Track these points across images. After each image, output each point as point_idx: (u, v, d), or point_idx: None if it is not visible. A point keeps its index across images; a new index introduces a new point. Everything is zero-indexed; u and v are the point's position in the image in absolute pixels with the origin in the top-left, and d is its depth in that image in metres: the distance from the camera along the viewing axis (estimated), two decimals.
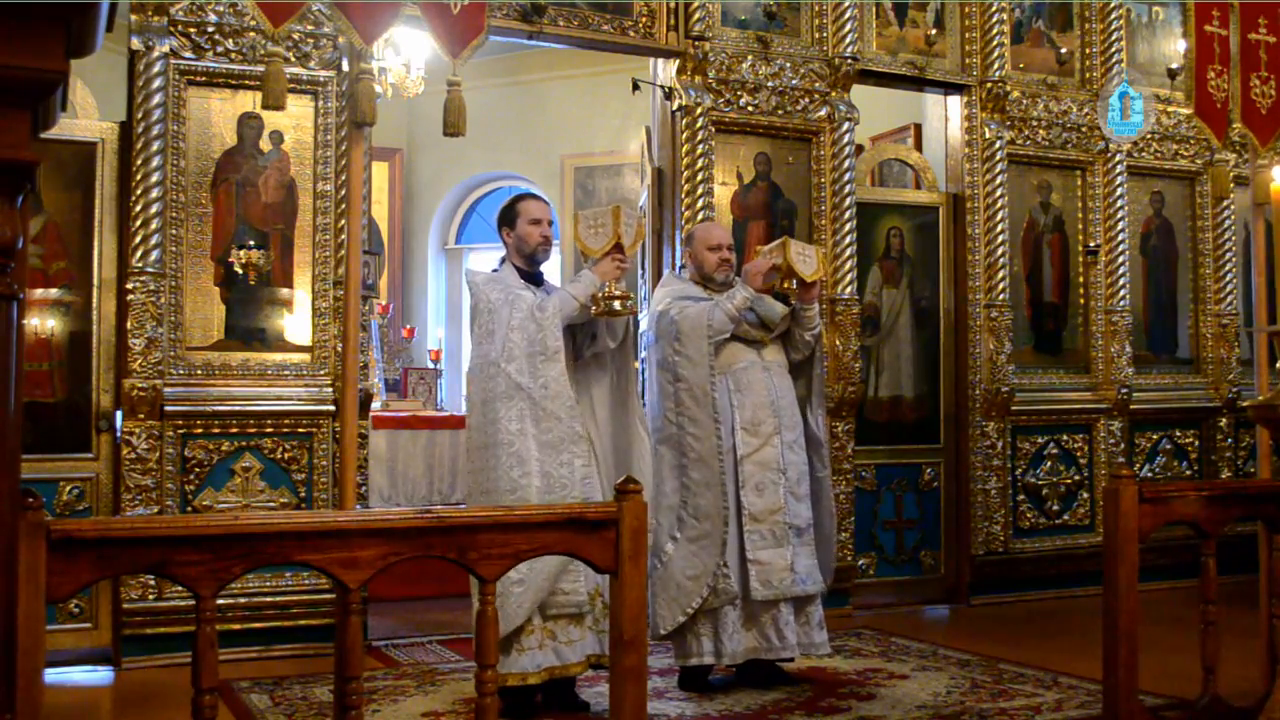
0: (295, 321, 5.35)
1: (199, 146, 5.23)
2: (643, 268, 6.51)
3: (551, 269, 10.53)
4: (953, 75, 6.73)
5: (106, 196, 5.16)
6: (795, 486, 4.66)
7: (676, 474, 4.53)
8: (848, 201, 6.27)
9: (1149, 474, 7.17)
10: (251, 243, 5.25)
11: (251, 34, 5.21)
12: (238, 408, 5.19)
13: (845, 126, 6.31)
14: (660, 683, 4.61)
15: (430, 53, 8.14)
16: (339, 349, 5.20)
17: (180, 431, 5.10)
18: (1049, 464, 6.88)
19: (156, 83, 5.06)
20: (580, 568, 4.07)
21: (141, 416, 5.01)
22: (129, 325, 5.00)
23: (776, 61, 6.22)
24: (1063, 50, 7.03)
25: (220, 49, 5.20)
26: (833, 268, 6.24)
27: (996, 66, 6.72)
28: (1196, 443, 7.35)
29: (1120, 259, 7.02)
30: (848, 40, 6.31)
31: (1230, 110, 4.96)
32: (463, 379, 10.35)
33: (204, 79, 5.21)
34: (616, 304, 4.16)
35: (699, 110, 5.98)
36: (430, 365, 10.18)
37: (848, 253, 6.25)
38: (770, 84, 6.19)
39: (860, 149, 6.94)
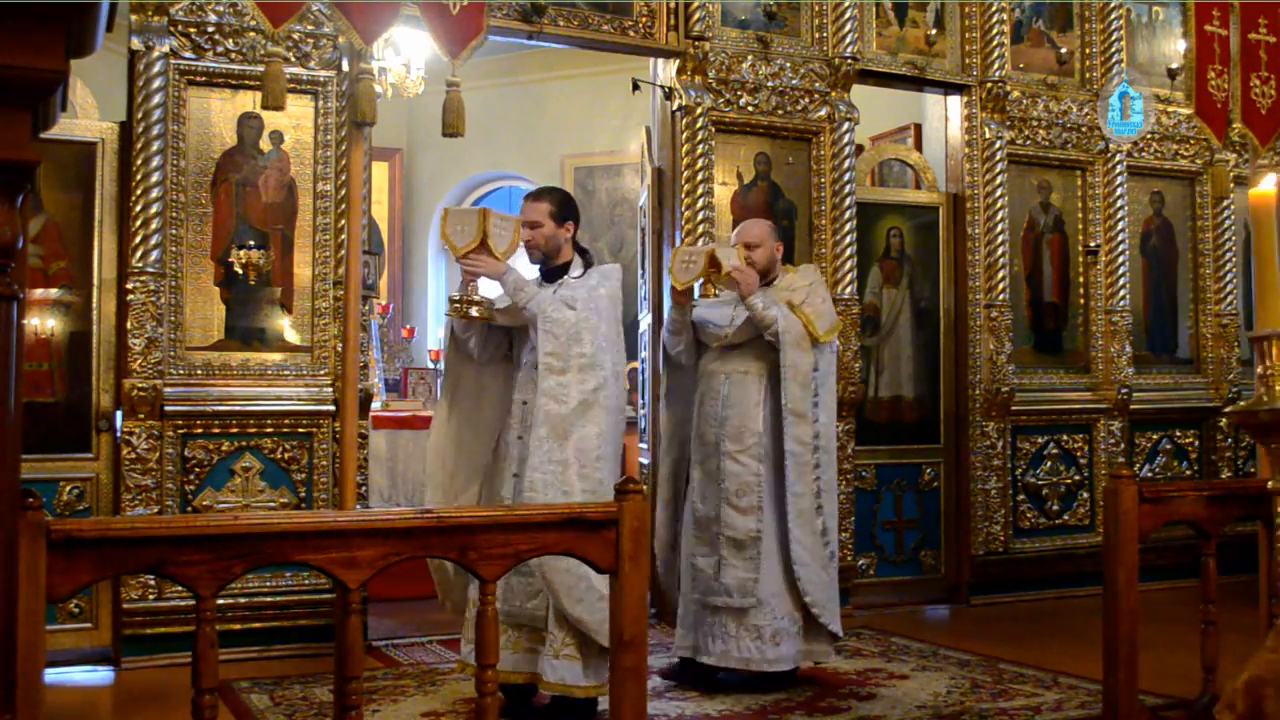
0: (295, 321, 5.35)
1: (199, 146, 5.23)
2: (642, 268, 6.52)
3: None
4: (953, 75, 6.73)
5: (106, 196, 5.15)
6: (734, 498, 4.59)
7: None
8: (848, 201, 6.27)
9: (1149, 474, 7.17)
10: (251, 243, 5.25)
11: (251, 34, 5.21)
12: (238, 408, 5.19)
13: (845, 126, 6.31)
14: (660, 682, 4.61)
15: (430, 53, 8.14)
16: (339, 349, 5.20)
17: (180, 431, 5.10)
18: (1049, 464, 6.88)
19: (156, 83, 5.05)
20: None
21: (141, 416, 5.01)
22: (129, 325, 5.00)
23: (776, 61, 6.22)
24: (1063, 50, 7.03)
25: (220, 49, 5.20)
26: (833, 268, 6.24)
27: (996, 66, 6.72)
28: (1196, 443, 7.35)
29: (1120, 259, 7.02)
30: (848, 40, 6.31)
31: (1230, 110, 4.96)
32: None
33: (204, 79, 5.21)
34: (474, 310, 4.10)
35: (699, 110, 5.98)
36: (430, 365, 10.18)
37: (848, 253, 6.25)
38: (770, 84, 6.19)
39: (860, 149, 6.94)
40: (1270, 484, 2.71)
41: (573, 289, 4.18)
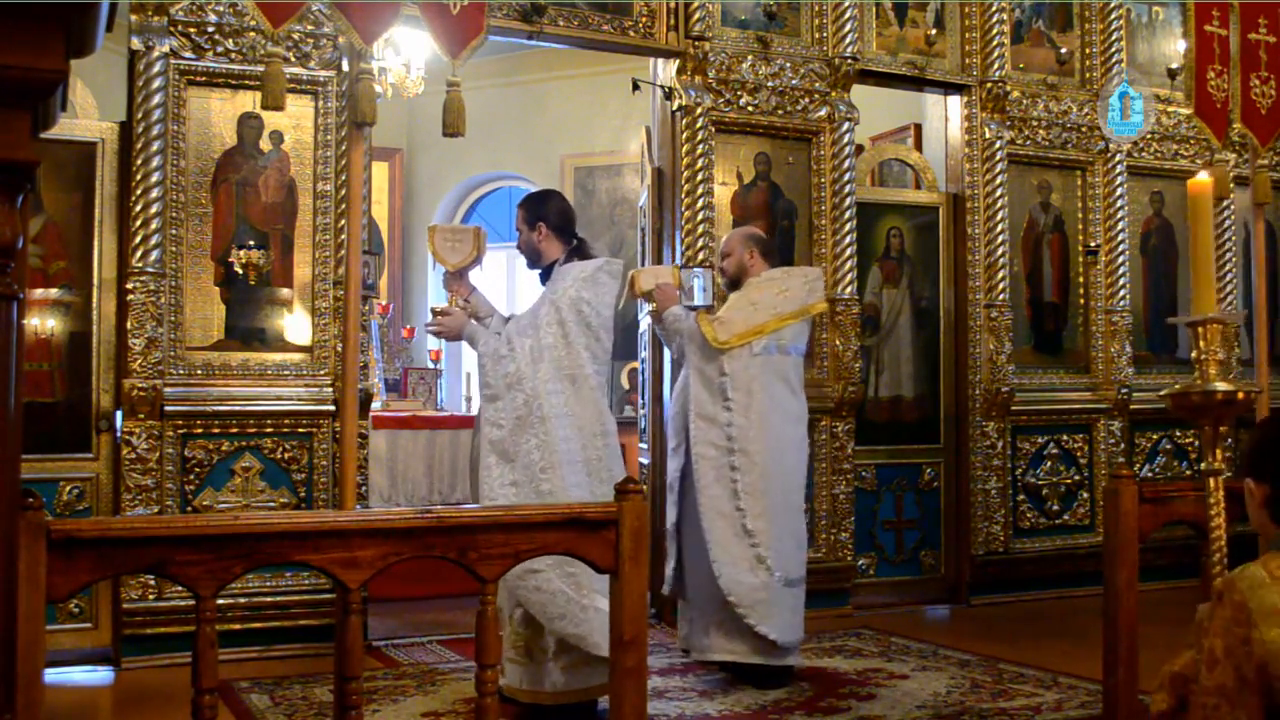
0: (295, 321, 5.35)
1: (199, 146, 5.22)
2: (642, 268, 6.51)
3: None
4: (953, 75, 6.73)
5: (106, 196, 5.15)
6: (667, 491, 4.93)
7: None
8: (848, 201, 6.27)
9: (1149, 474, 7.17)
10: (251, 243, 5.25)
11: (251, 34, 5.21)
12: (238, 408, 5.19)
13: (845, 126, 6.31)
14: (660, 682, 4.61)
15: (430, 53, 8.14)
16: (339, 349, 5.20)
17: (180, 431, 5.10)
18: (1049, 464, 6.88)
19: (156, 83, 5.05)
20: None
21: (141, 416, 5.01)
22: (129, 325, 5.00)
23: (776, 61, 6.22)
24: (1063, 50, 7.03)
25: (220, 49, 5.20)
26: (833, 268, 6.24)
27: (996, 66, 6.72)
28: (1197, 443, 7.35)
29: (1120, 259, 7.02)
30: (848, 40, 6.31)
31: (1230, 110, 4.96)
32: (461, 379, 10.39)
33: (204, 79, 5.21)
34: None
35: (699, 110, 5.98)
36: (430, 365, 10.18)
37: (848, 253, 6.25)
38: (770, 84, 6.19)
39: (860, 149, 6.94)
40: (1204, 465, 2.79)
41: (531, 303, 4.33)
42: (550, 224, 4.32)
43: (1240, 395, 2.84)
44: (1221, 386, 2.87)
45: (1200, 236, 2.97)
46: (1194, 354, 2.85)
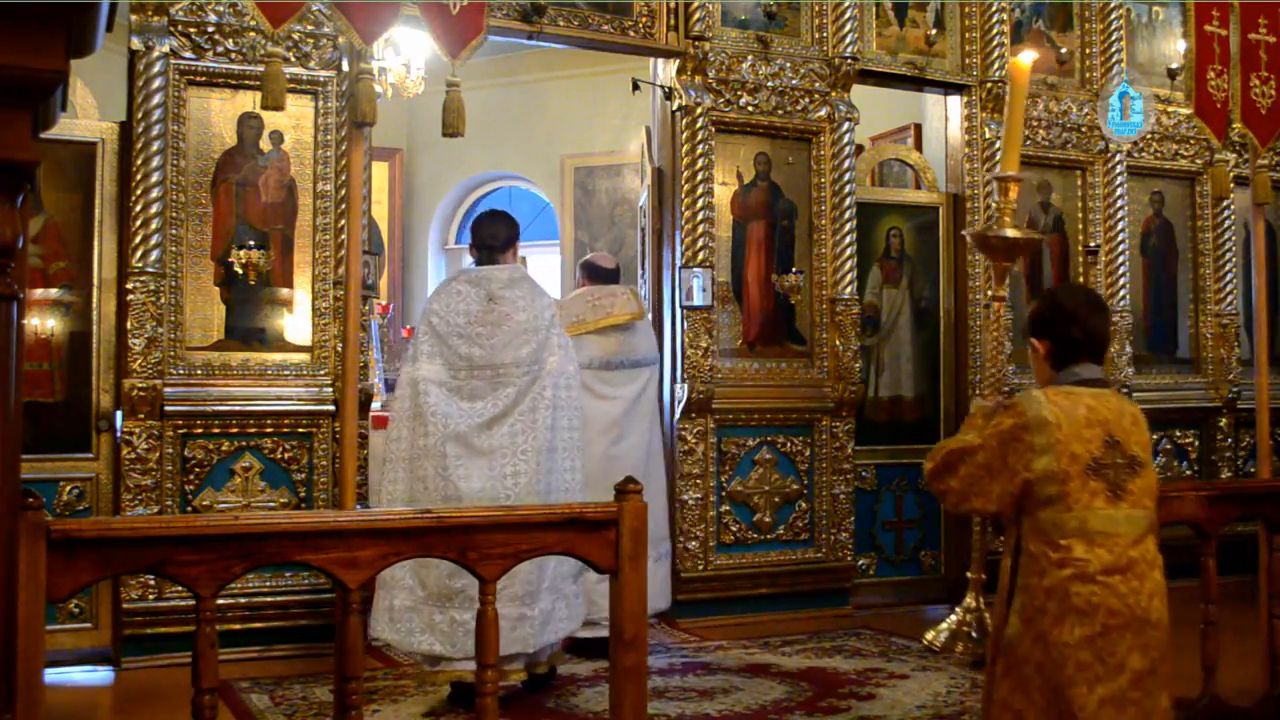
0: (295, 321, 5.35)
1: (199, 146, 5.22)
2: (642, 268, 6.51)
3: (550, 271, 10.54)
4: (953, 75, 6.73)
5: (106, 196, 5.15)
6: None
7: None
8: (848, 201, 6.27)
9: None
10: (251, 243, 5.24)
11: (251, 34, 5.21)
12: (238, 408, 5.19)
13: (845, 126, 6.31)
14: (660, 682, 4.62)
15: (430, 53, 8.14)
16: (339, 349, 5.20)
17: (180, 431, 5.10)
18: None
19: (156, 83, 5.05)
20: None
21: (141, 416, 5.01)
22: (129, 325, 5.00)
23: (776, 61, 6.22)
24: (1063, 50, 7.03)
25: (220, 49, 5.20)
26: (833, 268, 6.24)
27: (996, 66, 6.71)
28: (1196, 443, 7.35)
29: (1120, 259, 7.02)
30: (848, 40, 6.31)
31: (1230, 110, 4.97)
32: None
33: (204, 79, 5.21)
34: None
35: (699, 110, 5.98)
36: None
37: (848, 253, 6.25)
38: (770, 84, 6.19)
39: (860, 149, 6.94)
40: (989, 293, 3.63)
41: None
42: (473, 243, 4.68)
43: (1024, 240, 3.79)
44: (1012, 233, 3.89)
45: (1015, 106, 3.88)
46: (995, 205, 3.64)
